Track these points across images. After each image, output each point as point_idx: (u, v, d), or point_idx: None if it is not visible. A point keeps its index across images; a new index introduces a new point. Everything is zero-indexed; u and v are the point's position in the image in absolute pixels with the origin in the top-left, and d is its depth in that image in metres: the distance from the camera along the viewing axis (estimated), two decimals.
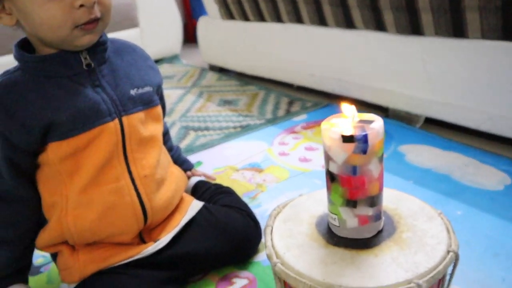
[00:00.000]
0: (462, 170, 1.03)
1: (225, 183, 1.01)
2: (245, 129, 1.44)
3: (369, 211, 0.48)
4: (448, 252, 0.47)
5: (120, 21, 2.36)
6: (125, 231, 0.71)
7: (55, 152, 0.65)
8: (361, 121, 0.48)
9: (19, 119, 0.62)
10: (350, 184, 0.47)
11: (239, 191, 1.03)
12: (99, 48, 0.68)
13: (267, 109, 1.60)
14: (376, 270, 0.45)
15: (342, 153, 0.46)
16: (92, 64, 0.67)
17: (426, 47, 1.16)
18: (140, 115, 0.71)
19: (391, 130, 1.28)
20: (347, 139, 0.45)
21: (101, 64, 0.69)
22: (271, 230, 0.53)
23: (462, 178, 1.00)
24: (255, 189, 1.08)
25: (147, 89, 0.74)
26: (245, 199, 1.01)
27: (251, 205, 0.97)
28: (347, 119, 0.48)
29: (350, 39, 1.38)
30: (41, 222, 0.73)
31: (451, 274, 0.50)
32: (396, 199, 0.57)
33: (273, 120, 1.48)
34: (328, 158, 0.48)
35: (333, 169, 0.48)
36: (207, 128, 1.50)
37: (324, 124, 0.48)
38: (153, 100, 0.75)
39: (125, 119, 0.69)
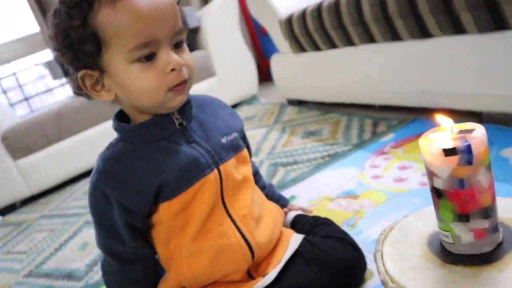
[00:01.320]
0: None
1: (322, 214, 1.01)
2: (333, 157, 1.43)
3: (485, 224, 0.46)
4: None
5: (198, 73, 2.50)
6: (237, 270, 0.75)
7: (166, 211, 0.71)
8: (461, 131, 0.46)
9: (132, 187, 0.68)
10: (459, 198, 0.45)
11: (337, 220, 1.02)
12: (187, 106, 0.74)
13: (352, 134, 1.59)
14: (503, 286, 0.42)
15: (445, 167, 0.44)
16: (184, 123, 0.72)
17: None
18: (232, 161, 0.76)
19: (489, 135, 1.19)
20: (449, 152, 0.44)
21: (190, 121, 0.74)
22: (382, 255, 0.52)
23: None
24: (353, 216, 1.06)
25: (234, 135, 0.79)
26: (345, 228, 1.00)
27: (352, 232, 0.95)
28: (445, 131, 0.47)
29: (428, 48, 1.34)
30: (158, 275, 0.79)
31: None
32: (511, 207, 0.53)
33: (360, 144, 1.46)
34: (431, 175, 0.47)
35: (439, 185, 0.46)
36: (295, 162, 1.51)
37: (422, 140, 0.47)
38: (240, 144, 0.80)
39: (222, 167, 0.73)
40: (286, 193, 1.29)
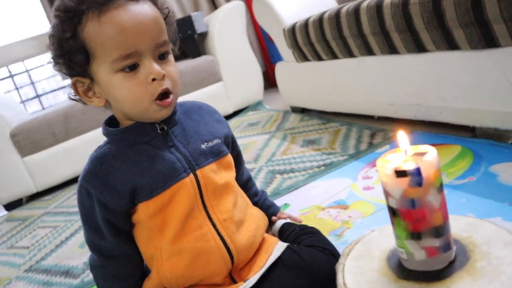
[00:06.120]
0: None
1: (311, 223, 1.03)
2: (328, 167, 1.46)
3: (436, 242, 0.48)
4: None
5: (205, 77, 2.54)
6: (216, 273, 0.77)
7: (144, 211, 0.75)
8: (415, 154, 0.48)
9: (111, 186, 0.73)
10: (411, 217, 0.48)
11: (325, 229, 1.04)
12: None
13: (349, 144, 1.61)
14: None
15: (398, 187, 0.47)
16: (165, 128, 0.77)
17: (505, 58, 1.11)
18: (212, 166, 0.79)
19: (480, 150, 1.21)
20: (400, 173, 0.46)
21: (172, 126, 0.78)
22: (343, 268, 0.55)
23: None
24: (341, 227, 1.08)
25: (216, 141, 0.82)
26: (331, 238, 1.02)
27: (338, 242, 0.98)
28: (400, 153, 0.49)
29: (424, 62, 1.36)
30: (145, 274, 0.83)
31: None
32: (470, 226, 0.55)
33: (356, 155, 1.48)
34: (387, 194, 0.49)
35: (393, 204, 0.49)
36: (292, 170, 1.54)
37: (380, 161, 0.50)
38: (222, 150, 0.83)
39: (198, 172, 0.77)
40: (279, 201, 1.32)
